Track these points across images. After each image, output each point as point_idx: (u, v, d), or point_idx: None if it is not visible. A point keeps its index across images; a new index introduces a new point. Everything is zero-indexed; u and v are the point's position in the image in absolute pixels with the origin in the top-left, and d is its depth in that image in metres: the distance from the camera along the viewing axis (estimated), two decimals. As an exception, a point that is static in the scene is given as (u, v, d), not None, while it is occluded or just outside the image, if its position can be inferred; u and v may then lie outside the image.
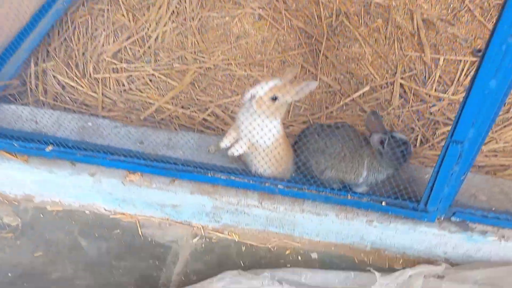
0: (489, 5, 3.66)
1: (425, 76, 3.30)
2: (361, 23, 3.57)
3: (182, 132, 2.69)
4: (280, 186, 2.31)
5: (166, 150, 2.57)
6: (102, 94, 3.09)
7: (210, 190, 2.45)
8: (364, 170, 2.27)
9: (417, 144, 2.93)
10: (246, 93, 2.09)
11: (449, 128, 3.01)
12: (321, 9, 3.62)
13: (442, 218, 2.35)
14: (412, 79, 3.26)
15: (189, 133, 2.67)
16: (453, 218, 2.34)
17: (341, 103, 3.10)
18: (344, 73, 3.30)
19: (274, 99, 2.09)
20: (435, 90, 3.20)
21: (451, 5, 3.67)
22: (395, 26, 3.55)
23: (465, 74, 3.29)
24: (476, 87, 1.58)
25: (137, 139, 2.62)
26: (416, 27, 3.53)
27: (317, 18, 3.59)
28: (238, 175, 2.33)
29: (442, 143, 2.97)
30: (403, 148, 2.23)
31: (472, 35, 3.53)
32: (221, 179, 2.34)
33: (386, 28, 3.54)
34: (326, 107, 3.09)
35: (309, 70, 3.31)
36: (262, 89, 2.08)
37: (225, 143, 2.28)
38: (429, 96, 3.16)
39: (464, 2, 3.67)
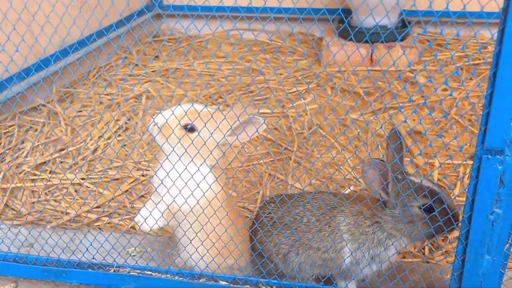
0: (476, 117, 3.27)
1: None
2: (337, 132, 3.09)
3: (91, 232, 1.91)
4: (222, 283, 1.44)
5: (64, 253, 1.75)
6: (6, 204, 2.38)
7: (117, 305, 1.56)
8: (343, 240, 1.45)
9: (426, 253, 2.13)
10: (149, 122, 1.46)
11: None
12: (291, 123, 3.18)
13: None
14: (405, 181, 2.61)
15: (103, 233, 1.89)
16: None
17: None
18: (322, 178, 2.67)
19: (190, 129, 1.44)
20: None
21: (436, 120, 3.27)
22: (376, 135, 3.08)
23: (468, 177, 2.68)
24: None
25: (27, 242, 1.83)
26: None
27: (287, 129, 3.13)
28: (157, 269, 1.49)
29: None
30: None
31: (466, 143, 3.04)
32: (130, 278, 1.48)
33: (367, 138, 3.06)
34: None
35: (277, 177, 2.69)
36: (168, 113, 1.43)
37: (141, 215, 1.53)
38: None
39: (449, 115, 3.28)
